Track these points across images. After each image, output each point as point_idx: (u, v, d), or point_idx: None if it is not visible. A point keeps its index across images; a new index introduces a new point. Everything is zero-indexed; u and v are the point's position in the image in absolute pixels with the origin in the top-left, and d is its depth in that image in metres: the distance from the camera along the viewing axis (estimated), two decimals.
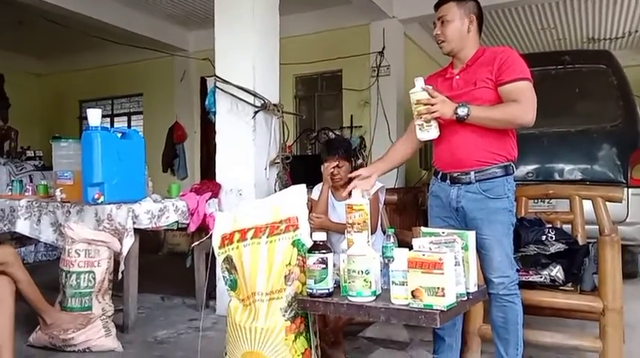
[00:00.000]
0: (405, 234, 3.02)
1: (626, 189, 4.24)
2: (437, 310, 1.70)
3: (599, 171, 4.40)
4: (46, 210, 3.43)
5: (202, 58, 6.53)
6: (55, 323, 2.85)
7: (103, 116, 9.33)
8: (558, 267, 2.62)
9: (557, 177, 4.47)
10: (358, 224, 2.04)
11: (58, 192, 3.44)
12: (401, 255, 1.83)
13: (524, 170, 4.52)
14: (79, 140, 3.38)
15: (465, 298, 1.88)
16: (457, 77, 2.34)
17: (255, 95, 3.67)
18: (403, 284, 1.80)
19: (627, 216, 4.25)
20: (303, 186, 2.31)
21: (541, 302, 2.52)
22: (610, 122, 4.44)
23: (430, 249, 1.89)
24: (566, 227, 2.92)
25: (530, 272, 2.65)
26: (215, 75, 3.81)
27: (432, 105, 2.15)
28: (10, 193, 3.94)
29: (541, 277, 2.62)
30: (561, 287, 2.62)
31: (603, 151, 4.41)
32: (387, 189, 3.38)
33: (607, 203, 2.84)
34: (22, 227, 3.49)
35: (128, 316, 3.33)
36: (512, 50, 2.32)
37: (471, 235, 2.00)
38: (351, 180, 3.09)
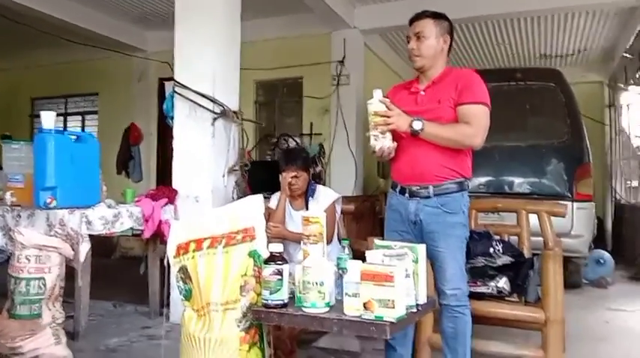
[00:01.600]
0: (361, 244, 3.08)
1: (570, 203, 4.45)
2: (387, 322, 1.75)
3: (546, 185, 4.61)
4: None
5: (162, 60, 6.49)
6: (3, 332, 2.77)
7: (57, 115, 9.12)
8: (504, 279, 2.72)
9: (507, 190, 4.66)
10: (314, 236, 2.07)
11: (8, 196, 3.34)
12: (354, 268, 1.87)
13: (476, 182, 4.67)
14: (31, 142, 3.30)
15: (415, 310, 1.94)
16: (422, 93, 2.43)
17: (214, 101, 3.67)
18: (356, 296, 1.85)
19: (572, 229, 4.45)
20: (261, 196, 2.33)
21: (488, 312, 2.62)
22: (557, 138, 4.67)
23: (383, 261, 1.95)
24: (514, 239, 3.05)
25: (478, 283, 2.74)
26: (174, 79, 3.79)
27: (389, 117, 2.23)
28: None
29: (488, 288, 2.72)
30: (507, 298, 2.73)
31: (551, 166, 4.63)
32: (345, 197, 3.45)
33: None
34: None
35: (79, 323, 3.27)
36: (476, 74, 2.43)
37: (421, 248, 2.07)
38: (307, 191, 3.16)
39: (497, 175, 4.73)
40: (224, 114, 3.68)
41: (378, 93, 2.27)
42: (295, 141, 6.86)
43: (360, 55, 6.73)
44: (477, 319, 2.60)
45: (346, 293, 1.88)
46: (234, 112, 3.77)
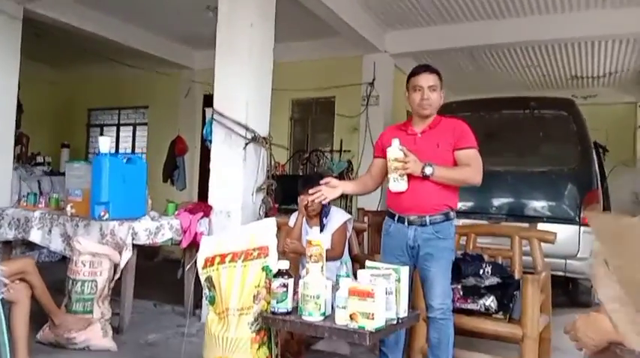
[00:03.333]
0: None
1: (578, 226, 4.70)
2: (367, 331, 2.15)
3: (555, 210, 4.84)
4: (57, 222, 3.89)
5: (206, 77, 6.97)
6: (62, 325, 3.30)
7: (110, 125, 9.70)
8: (492, 297, 3.07)
9: (517, 212, 4.91)
10: (315, 256, 2.48)
11: (68, 208, 3.90)
12: (344, 284, 2.28)
13: (492, 203, 4.98)
14: (90, 162, 3.86)
15: (395, 322, 2.33)
16: (419, 136, 2.82)
17: (247, 128, 4.13)
18: (344, 308, 2.25)
19: (578, 252, 4.68)
20: (274, 219, 2.77)
21: (474, 327, 2.99)
22: (568, 165, 4.90)
23: (370, 280, 2.34)
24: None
25: (469, 300, 3.11)
26: (213, 108, 4.28)
27: (406, 163, 2.63)
28: (25, 204, 4.40)
29: (477, 305, 3.08)
30: (494, 315, 3.08)
31: (560, 192, 4.86)
32: (370, 212, 3.93)
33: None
34: (35, 236, 3.95)
35: (123, 320, 3.78)
36: (465, 123, 2.84)
37: (404, 270, 2.44)
38: (322, 211, 3.58)
39: (508, 198, 4.99)
40: (255, 139, 4.14)
41: (396, 142, 2.69)
42: (325, 156, 7.28)
43: (390, 78, 7.08)
44: (465, 332, 2.98)
45: (337, 306, 2.29)
46: (264, 138, 4.23)
